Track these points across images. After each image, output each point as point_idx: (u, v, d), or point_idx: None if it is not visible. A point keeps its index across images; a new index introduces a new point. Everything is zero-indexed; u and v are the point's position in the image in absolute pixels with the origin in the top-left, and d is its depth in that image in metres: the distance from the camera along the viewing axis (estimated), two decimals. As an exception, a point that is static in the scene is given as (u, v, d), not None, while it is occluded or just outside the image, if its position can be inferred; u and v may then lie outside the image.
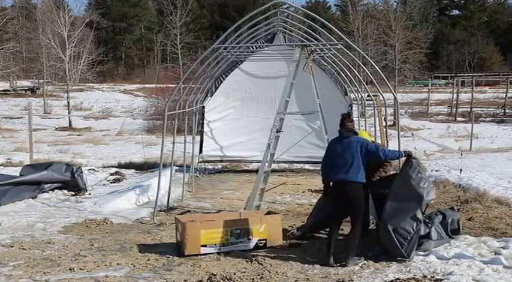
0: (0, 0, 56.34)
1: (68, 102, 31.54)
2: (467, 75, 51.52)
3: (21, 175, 10.74)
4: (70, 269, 6.30)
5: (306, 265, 6.50)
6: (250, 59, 13.85)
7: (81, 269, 6.32)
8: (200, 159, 14.09)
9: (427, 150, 17.12)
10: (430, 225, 7.06)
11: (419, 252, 6.75)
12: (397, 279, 5.94)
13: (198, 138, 14.22)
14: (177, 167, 12.54)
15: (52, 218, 8.95)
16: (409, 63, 32.36)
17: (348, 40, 11.28)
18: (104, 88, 50.60)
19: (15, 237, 7.74)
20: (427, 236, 6.95)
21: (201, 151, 14.09)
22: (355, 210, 6.63)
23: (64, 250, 7.15)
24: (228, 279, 5.90)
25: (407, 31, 32.08)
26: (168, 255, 6.81)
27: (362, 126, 14.60)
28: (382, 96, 12.04)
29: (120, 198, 10.24)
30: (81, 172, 11.32)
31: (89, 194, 11.00)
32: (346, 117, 6.88)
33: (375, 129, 12.40)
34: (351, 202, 6.59)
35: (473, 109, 29.09)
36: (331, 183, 6.86)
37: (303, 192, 11.73)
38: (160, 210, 9.59)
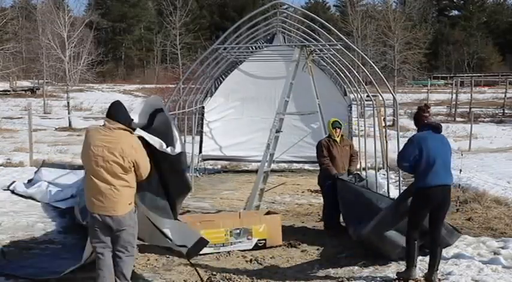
0: (0, 1, 56.41)
1: (68, 103, 31.55)
2: (467, 76, 51.54)
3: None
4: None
5: (306, 265, 6.52)
6: (249, 60, 13.88)
7: (80, 269, 6.33)
8: (200, 159, 14.12)
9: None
10: None
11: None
12: (397, 279, 5.96)
13: (197, 138, 14.24)
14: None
15: (52, 218, 8.96)
16: (408, 63, 32.39)
17: (347, 40, 11.32)
18: (103, 88, 50.57)
19: (15, 237, 7.75)
20: None
21: (200, 151, 14.11)
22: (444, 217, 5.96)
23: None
24: (227, 279, 5.92)
25: (407, 31, 32.11)
26: (167, 255, 6.81)
27: (361, 126, 14.63)
28: (382, 96, 12.07)
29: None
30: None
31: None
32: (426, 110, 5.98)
33: (374, 129, 12.42)
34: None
35: (473, 109, 29.11)
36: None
37: (303, 192, 11.76)
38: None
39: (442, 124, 6.18)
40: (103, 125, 5.05)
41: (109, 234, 5.08)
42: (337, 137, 8.23)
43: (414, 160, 5.75)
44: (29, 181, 11.08)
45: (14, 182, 11.09)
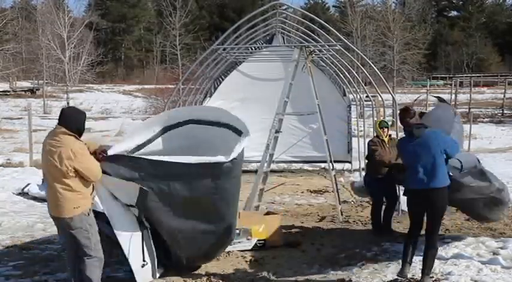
0: (0, 1, 56.37)
1: (68, 103, 31.63)
2: (466, 76, 51.60)
3: None
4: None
5: (305, 265, 6.53)
6: (249, 60, 13.89)
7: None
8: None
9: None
10: None
11: (419, 253, 6.78)
12: (396, 279, 5.97)
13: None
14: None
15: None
16: (408, 64, 32.49)
17: (346, 41, 11.34)
18: (103, 89, 50.52)
19: (15, 237, 7.76)
20: None
21: (200, 152, 14.11)
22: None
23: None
24: (227, 280, 5.93)
25: (406, 32, 32.20)
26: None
27: (361, 126, 14.65)
28: (381, 97, 12.10)
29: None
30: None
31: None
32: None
33: (374, 130, 12.43)
34: None
35: (472, 110, 29.16)
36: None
37: (302, 192, 11.76)
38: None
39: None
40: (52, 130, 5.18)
41: (67, 235, 5.22)
42: (385, 137, 8.21)
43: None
44: (43, 181, 11.04)
45: (28, 184, 11.01)
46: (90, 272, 5.22)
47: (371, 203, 8.54)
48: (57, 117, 5.16)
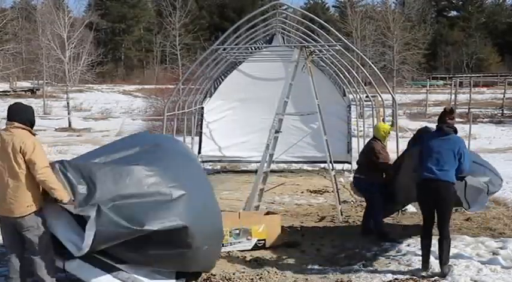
0: (0, 1, 56.40)
1: (68, 103, 31.59)
2: (465, 76, 51.60)
3: None
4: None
5: (305, 265, 6.54)
6: (249, 60, 13.92)
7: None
8: (199, 160, 14.14)
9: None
10: None
11: (418, 253, 6.80)
12: (396, 279, 5.98)
13: (197, 138, 14.27)
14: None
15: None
16: (408, 64, 32.51)
17: (346, 41, 11.36)
18: (103, 89, 50.58)
19: (16, 237, 7.75)
20: None
21: (200, 152, 14.13)
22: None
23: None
24: (227, 280, 5.93)
25: (406, 32, 32.22)
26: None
27: (360, 126, 14.67)
28: (381, 97, 12.11)
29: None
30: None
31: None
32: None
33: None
34: None
35: (471, 110, 29.18)
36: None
37: (302, 192, 11.77)
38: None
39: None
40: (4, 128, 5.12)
41: (16, 235, 5.11)
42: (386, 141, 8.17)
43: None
44: None
45: None
46: (41, 271, 5.11)
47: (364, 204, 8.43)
48: (6, 116, 5.12)
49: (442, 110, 6.33)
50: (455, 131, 6.21)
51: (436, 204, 6.05)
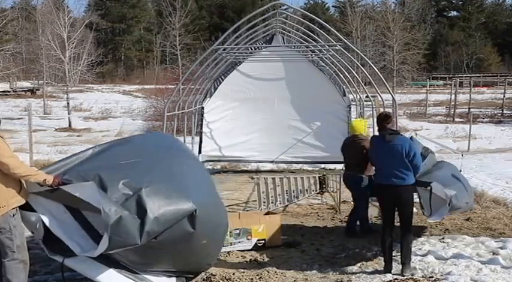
0: (0, 2, 56.37)
1: (68, 103, 31.54)
2: (465, 76, 51.63)
3: None
4: (70, 269, 6.32)
5: (305, 265, 6.54)
6: (249, 60, 13.91)
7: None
8: (199, 160, 14.14)
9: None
10: None
11: (417, 253, 6.81)
12: (396, 279, 5.99)
13: (197, 138, 14.26)
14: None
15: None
16: (407, 64, 32.51)
17: (346, 41, 11.35)
18: (103, 89, 50.61)
19: (16, 237, 7.75)
20: None
21: (200, 152, 14.13)
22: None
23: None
24: (227, 279, 5.93)
25: (406, 32, 32.23)
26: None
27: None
28: (381, 97, 12.11)
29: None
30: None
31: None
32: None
33: (373, 130, 12.44)
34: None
35: (471, 110, 29.15)
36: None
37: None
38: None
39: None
40: None
41: None
42: None
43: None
44: None
45: None
46: (11, 275, 4.95)
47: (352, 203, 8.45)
48: None
49: (379, 117, 6.34)
50: (399, 133, 6.34)
51: (397, 207, 6.22)
